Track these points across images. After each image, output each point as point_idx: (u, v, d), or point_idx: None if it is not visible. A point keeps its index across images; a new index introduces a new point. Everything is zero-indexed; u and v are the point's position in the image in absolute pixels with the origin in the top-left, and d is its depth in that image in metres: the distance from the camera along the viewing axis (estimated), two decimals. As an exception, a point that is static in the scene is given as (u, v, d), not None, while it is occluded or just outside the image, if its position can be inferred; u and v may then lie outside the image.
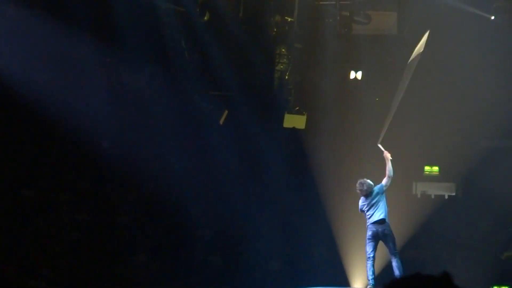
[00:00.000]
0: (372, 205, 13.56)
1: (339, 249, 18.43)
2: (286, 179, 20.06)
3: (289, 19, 19.85)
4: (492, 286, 18.45)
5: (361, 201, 13.64)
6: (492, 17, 18.91)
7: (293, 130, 20.39)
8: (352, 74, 19.91)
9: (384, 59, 19.58)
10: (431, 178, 20.31)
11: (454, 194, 20.24)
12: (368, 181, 13.81)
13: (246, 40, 19.86)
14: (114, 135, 19.54)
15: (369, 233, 13.44)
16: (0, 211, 18.84)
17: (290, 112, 20.41)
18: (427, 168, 20.30)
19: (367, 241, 13.46)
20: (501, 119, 18.76)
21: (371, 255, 13.39)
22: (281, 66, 20.81)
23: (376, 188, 13.68)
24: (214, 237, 19.58)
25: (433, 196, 20.18)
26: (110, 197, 19.71)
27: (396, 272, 13.40)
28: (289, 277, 16.20)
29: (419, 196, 20.01)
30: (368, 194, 13.51)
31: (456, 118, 19.02)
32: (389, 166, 13.82)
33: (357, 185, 13.70)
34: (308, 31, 19.91)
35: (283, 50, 20.70)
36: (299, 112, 20.36)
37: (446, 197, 20.21)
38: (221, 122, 20.24)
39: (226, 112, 20.20)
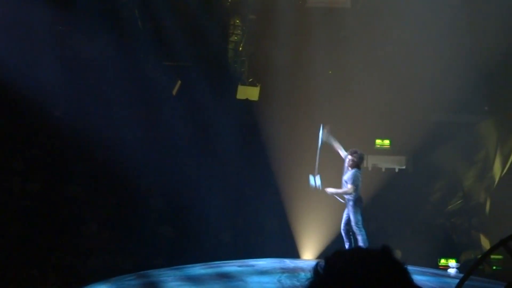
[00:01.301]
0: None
1: (290, 221, 18.56)
2: (239, 150, 20.09)
3: (244, -10, 19.83)
4: (440, 259, 18.74)
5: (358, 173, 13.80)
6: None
7: (246, 101, 20.42)
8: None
9: (337, 33, 19.66)
10: (382, 151, 20.49)
11: (404, 167, 20.45)
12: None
13: (200, 11, 19.77)
14: (66, 104, 19.34)
15: (361, 204, 13.81)
16: None
17: (243, 84, 20.45)
18: (378, 141, 20.47)
19: (360, 210, 13.74)
20: (452, 93, 18.96)
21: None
22: (235, 38, 20.81)
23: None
24: (165, 208, 19.56)
25: (384, 169, 20.37)
26: (61, 166, 19.55)
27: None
28: (240, 249, 16.28)
29: (370, 169, 20.18)
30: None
31: (407, 92, 19.18)
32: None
33: (357, 155, 13.88)
34: (262, 2, 19.91)
35: (237, 21, 20.68)
36: (252, 84, 20.40)
37: (397, 170, 20.42)
38: (174, 92, 20.17)
39: (179, 82, 20.13)
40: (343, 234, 14.12)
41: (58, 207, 18.98)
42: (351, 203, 13.87)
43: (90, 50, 19.71)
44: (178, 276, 13.80)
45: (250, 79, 20.45)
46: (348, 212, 13.93)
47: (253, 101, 20.27)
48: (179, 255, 17.52)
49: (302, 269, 13.97)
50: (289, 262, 15.03)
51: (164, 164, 19.68)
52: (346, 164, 14.07)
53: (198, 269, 14.59)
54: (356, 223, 13.79)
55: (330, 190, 14.26)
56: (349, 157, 13.96)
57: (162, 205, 19.63)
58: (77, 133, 19.01)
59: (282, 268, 14.17)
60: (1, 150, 19.52)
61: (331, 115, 19.33)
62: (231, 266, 14.93)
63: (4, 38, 18.34)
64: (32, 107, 19.08)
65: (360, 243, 13.64)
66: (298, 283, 12.90)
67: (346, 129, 19.28)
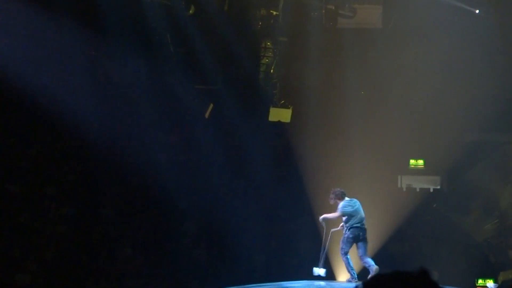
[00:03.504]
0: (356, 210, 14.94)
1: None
2: (271, 172, 20.08)
3: (274, 13, 19.87)
4: (477, 279, 18.52)
5: (346, 203, 14.88)
6: (477, 11, 18.98)
7: (279, 123, 20.40)
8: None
9: (369, 53, 19.62)
10: (416, 171, 20.36)
11: (439, 187, 20.29)
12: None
13: (232, 34, 19.85)
14: (100, 128, 19.46)
15: (351, 235, 14.77)
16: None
17: (275, 106, 20.43)
18: (412, 161, 20.34)
19: (350, 240, 14.79)
20: (486, 113, 18.82)
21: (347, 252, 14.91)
22: (266, 60, 20.82)
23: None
24: (199, 231, 19.57)
25: (418, 189, 20.23)
26: (95, 191, 19.66)
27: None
28: (274, 271, 16.23)
29: (404, 189, 20.05)
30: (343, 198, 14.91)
31: (441, 111, 19.07)
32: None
33: (336, 192, 15.00)
34: (293, 25, 19.93)
35: (268, 43, 20.71)
36: (284, 106, 20.38)
37: (431, 190, 20.27)
38: (206, 115, 20.22)
39: (212, 105, 20.18)
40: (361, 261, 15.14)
41: (93, 232, 19.06)
42: (344, 230, 14.91)
43: (123, 75, 19.86)
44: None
45: (282, 101, 20.44)
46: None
47: (285, 123, 20.24)
48: (213, 279, 17.51)
49: (338, 291, 13.91)
50: (324, 284, 14.94)
51: (198, 187, 19.71)
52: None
53: (234, 292, 14.57)
54: (341, 249, 14.94)
55: (322, 216, 15.17)
56: (331, 195, 15.08)
57: (195, 228, 19.64)
58: (110, 157, 19.13)
59: (316, 291, 14.12)
60: (36, 175, 19.67)
61: (363, 136, 19.29)
62: (267, 289, 14.89)
63: (39, 64, 18.52)
64: (66, 132, 19.24)
65: (346, 267, 15.03)
66: (333, 306, 12.84)
67: (379, 149, 19.23)
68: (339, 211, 14.84)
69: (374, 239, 18.36)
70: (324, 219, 15.07)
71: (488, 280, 17.45)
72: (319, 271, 15.24)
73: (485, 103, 18.58)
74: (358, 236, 14.93)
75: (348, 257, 14.94)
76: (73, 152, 19.81)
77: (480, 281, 18.36)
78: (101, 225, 19.21)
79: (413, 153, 20.22)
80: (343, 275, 17.60)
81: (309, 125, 19.90)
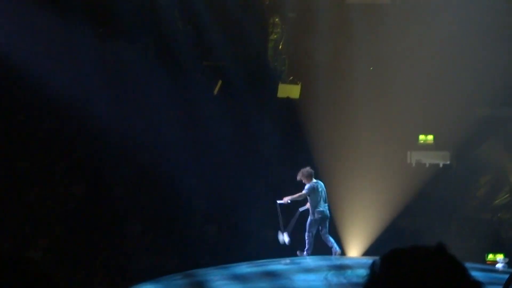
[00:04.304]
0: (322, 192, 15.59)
1: (335, 219, 18.48)
2: (280, 148, 20.07)
3: (283, -12, 19.78)
4: (487, 254, 18.54)
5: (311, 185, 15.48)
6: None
7: (287, 99, 20.38)
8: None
9: (378, 28, 19.53)
10: (425, 147, 20.32)
11: (448, 162, 20.26)
12: None
13: (240, 10, 19.77)
14: (108, 106, 19.45)
15: (318, 217, 15.45)
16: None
17: (284, 82, 20.39)
18: (421, 137, 20.31)
19: (317, 221, 15.48)
20: (496, 88, 18.75)
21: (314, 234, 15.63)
22: (275, 36, 20.76)
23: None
24: (209, 207, 19.61)
25: (427, 165, 20.21)
26: (104, 169, 19.70)
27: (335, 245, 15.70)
28: (285, 247, 16.23)
29: (413, 165, 20.03)
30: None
31: (451, 86, 18.99)
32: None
33: (304, 172, 15.56)
34: (301, 0, 19.84)
35: (276, 19, 20.64)
36: (293, 82, 20.34)
37: (441, 165, 20.24)
38: (215, 92, 20.20)
39: (220, 82, 20.16)
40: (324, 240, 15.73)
41: (103, 209, 19.13)
42: (310, 212, 15.50)
43: (131, 52, 19.81)
44: (224, 275, 13.84)
45: (291, 77, 20.39)
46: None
47: (294, 99, 20.21)
48: (224, 254, 17.57)
49: (349, 267, 13.93)
50: (335, 260, 14.99)
51: (207, 164, 19.73)
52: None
53: (244, 268, 14.62)
54: (308, 231, 15.56)
55: (285, 198, 15.72)
56: (299, 173, 15.68)
57: (205, 204, 19.68)
58: (119, 136, 19.13)
59: (328, 266, 14.16)
60: (46, 154, 19.72)
61: (373, 112, 19.26)
62: (277, 264, 14.94)
63: (44, 41, 18.50)
64: (74, 111, 19.24)
65: (306, 250, 15.56)
66: (345, 281, 12.85)
67: (389, 125, 19.20)
68: (304, 191, 15.42)
69: (383, 215, 18.42)
70: (290, 199, 15.61)
71: (499, 255, 17.44)
72: (285, 237, 15.89)
73: (496, 77, 18.50)
74: (324, 218, 15.53)
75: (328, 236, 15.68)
76: (82, 130, 19.81)
77: (490, 256, 18.38)
78: (111, 202, 19.27)
79: (423, 129, 20.18)
80: (353, 250, 17.67)
81: (318, 101, 19.87)
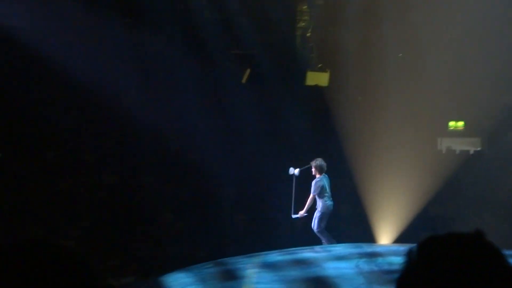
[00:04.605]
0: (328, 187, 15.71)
1: (365, 206, 18.45)
2: (310, 137, 20.03)
3: (311, -25, 19.70)
4: (519, 241, 18.38)
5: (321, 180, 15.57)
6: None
7: (316, 87, 20.32)
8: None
9: (407, 14, 19.38)
10: (456, 133, 20.20)
11: (479, 149, 20.12)
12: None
13: (268, -2, 19.73)
14: (137, 94, 19.53)
15: (327, 211, 15.57)
16: (25, 174, 18.99)
17: (312, 70, 20.33)
18: (452, 123, 20.18)
19: (326, 216, 15.58)
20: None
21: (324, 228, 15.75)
22: (303, 23, 20.70)
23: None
24: (238, 196, 19.65)
25: (458, 152, 20.08)
26: (135, 158, 19.80)
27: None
28: (315, 235, 16.22)
29: (444, 151, 19.91)
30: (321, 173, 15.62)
31: (481, 72, 18.80)
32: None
33: (319, 164, 15.72)
34: (329, -13, 19.76)
35: (304, 7, 20.56)
36: (321, 70, 20.28)
37: (472, 152, 20.10)
38: (243, 81, 20.20)
39: (249, 71, 20.15)
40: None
41: (134, 198, 19.23)
42: (318, 208, 15.56)
43: (158, 41, 19.84)
44: (255, 263, 13.86)
45: (319, 65, 20.33)
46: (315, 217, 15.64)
47: (323, 87, 20.15)
48: (253, 243, 17.58)
49: (380, 254, 13.89)
50: (366, 247, 14.95)
51: (236, 152, 19.76)
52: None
53: (275, 256, 14.63)
54: (318, 229, 15.59)
55: (301, 212, 16.04)
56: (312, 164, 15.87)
57: (235, 193, 19.72)
58: (149, 124, 19.20)
59: (359, 253, 14.12)
60: (76, 144, 19.85)
61: (402, 98, 19.14)
62: (308, 252, 14.93)
63: (73, 32, 18.56)
64: (104, 100, 19.32)
65: (327, 242, 15.63)
66: (376, 268, 12.82)
67: (418, 112, 19.08)
68: (312, 193, 15.65)
69: (414, 202, 18.32)
70: (306, 211, 15.90)
71: (532, 242, 17.29)
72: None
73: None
74: (330, 212, 15.67)
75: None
76: (112, 119, 19.90)
77: (523, 243, 18.24)
78: (141, 191, 19.37)
79: (453, 115, 20.05)
80: (384, 238, 17.62)
81: (347, 89, 19.80)
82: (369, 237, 17.61)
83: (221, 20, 19.96)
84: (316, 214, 15.65)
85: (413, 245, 2.18)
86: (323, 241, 15.65)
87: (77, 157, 19.75)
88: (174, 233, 18.73)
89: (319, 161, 15.82)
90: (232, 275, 13.30)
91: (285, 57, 20.62)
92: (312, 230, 15.87)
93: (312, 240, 15.99)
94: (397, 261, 12.80)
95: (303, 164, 16.62)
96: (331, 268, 13.15)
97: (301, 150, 19.88)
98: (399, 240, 17.44)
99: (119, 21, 19.45)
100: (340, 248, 15.29)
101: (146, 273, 16.59)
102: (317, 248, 15.42)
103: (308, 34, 20.68)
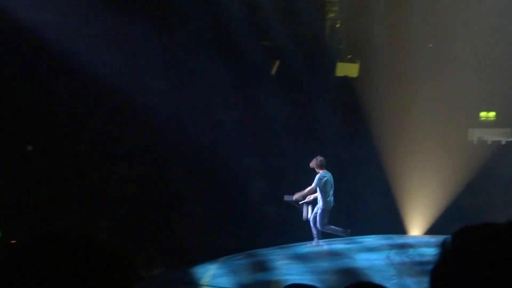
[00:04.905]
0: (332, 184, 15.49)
1: (396, 198, 18.36)
2: (339, 128, 19.96)
3: (339, -34, 19.61)
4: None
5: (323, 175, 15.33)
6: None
7: (346, 78, 20.24)
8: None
9: (436, 5, 19.23)
10: (487, 123, 20.03)
11: (511, 139, 19.94)
12: None
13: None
14: (165, 88, 19.57)
15: (329, 207, 15.29)
16: (56, 166, 19.12)
17: (342, 61, 20.25)
18: (483, 113, 20.01)
19: (328, 211, 15.30)
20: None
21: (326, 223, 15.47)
22: (332, 15, 20.63)
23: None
24: (267, 188, 19.63)
25: (489, 142, 19.92)
26: (164, 151, 19.86)
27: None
28: (347, 226, 16.19)
29: (475, 142, 19.76)
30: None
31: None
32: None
33: (320, 160, 15.41)
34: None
35: (333, -2, 20.50)
36: (351, 61, 20.19)
37: (503, 142, 19.93)
38: (272, 72, 20.17)
39: (278, 62, 20.11)
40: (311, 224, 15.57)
41: (163, 191, 19.30)
42: (319, 205, 15.27)
43: (187, 34, 19.86)
44: (286, 255, 13.87)
45: (349, 56, 20.24)
46: (316, 212, 15.40)
47: (353, 77, 20.06)
48: (282, 235, 17.59)
49: (411, 245, 13.84)
50: (397, 239, 14.90)
51: (265, 144, 19.73)
52: None
53: (305, 248, 14.63)
54: (321, 225, 15.27)
55: (296, 194, 15.91)
56: (313, 161, 15.56)
57: (264, 185, 19.71)
58: (178, 118, 19.24)
59: (390, 245, 14.08)
60: (106, 137, 19.95)
61: (433, 89, 19.01)
62: (338, 244, 14.91)
63: (103, 28, 18.63)
64: (133, 94, 19.38)
65: (338, 233, 15.52)
66: (408, 259, 12.78)
67: (449, 103, 18.93)
68: (314, 184, 15.34)
69: (445, 193, 18.20)
70: (302, 196, 15.73)
71: None
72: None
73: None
74: (331, 208, 15.40)
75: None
76: (141, 113, 19.97)
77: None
78: (171, 183, 19.43)
79: (484, 105, 19.88)
80: (415, 229, 17.53)
81: (376, 80, 19.70)
82: (400, 228, 17.54)
83: (250, 12, 19.93)
84: (318, 211, 15.40)
85: (445, 236, 2.16)
86: (315, 236, 15.41)
87: (108, 150, 19.85)
88: (204, 225, 18.78)
89: (318, 158, 15.61)
90: (262, 267, 13.31)
91: (315, 48, 20.56)
92: (308, 223, 15.69)
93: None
94: (429, 252, 12.75)
95: (332, 157, 16.60)
96: (362, 260, 13.13)
97: (330, 141, 19.83)
98: (430, 231, 17.35)
99: (148, 15, 19.50)
100: (371, 240, 15.26)
101: (175, 265, 16.68)
102: (348, 239, 15.39)
103: (338, 25, 20.61)
